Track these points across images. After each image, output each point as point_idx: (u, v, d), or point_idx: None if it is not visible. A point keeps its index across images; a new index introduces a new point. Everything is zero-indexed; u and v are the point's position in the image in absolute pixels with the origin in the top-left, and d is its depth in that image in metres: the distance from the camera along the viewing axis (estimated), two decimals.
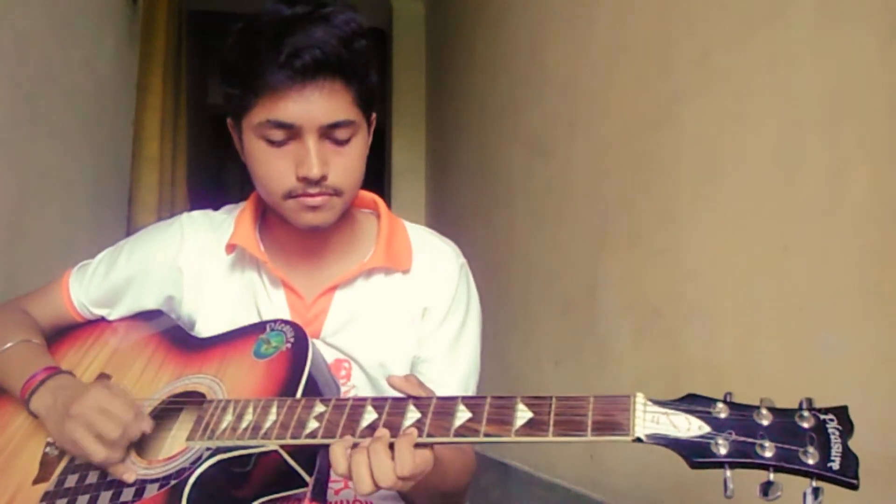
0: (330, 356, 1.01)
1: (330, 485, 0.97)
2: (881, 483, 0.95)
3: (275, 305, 1.02)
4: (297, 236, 1.02)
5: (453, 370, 1.04)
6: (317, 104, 0.89)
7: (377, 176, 4.14)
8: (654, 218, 1.51)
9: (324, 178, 0.91)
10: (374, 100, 0.98)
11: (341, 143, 0.92)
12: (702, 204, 1.35)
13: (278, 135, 0.90)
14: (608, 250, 1.70)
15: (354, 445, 0.75)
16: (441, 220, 3.39)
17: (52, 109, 1.76)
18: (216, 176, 5.19)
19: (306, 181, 0.91)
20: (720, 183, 1.30)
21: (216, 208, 1.13)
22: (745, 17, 1.24)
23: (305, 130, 0.90)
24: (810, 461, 0.62)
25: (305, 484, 0.83)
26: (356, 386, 1.03)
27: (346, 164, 0.93)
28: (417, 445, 0.74)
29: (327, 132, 0.91)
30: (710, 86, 1.33)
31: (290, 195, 0.93)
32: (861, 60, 1.01)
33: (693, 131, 1.38)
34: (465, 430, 0.73)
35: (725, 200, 1.28)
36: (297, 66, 0.87)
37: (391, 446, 0.74)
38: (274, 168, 0.92)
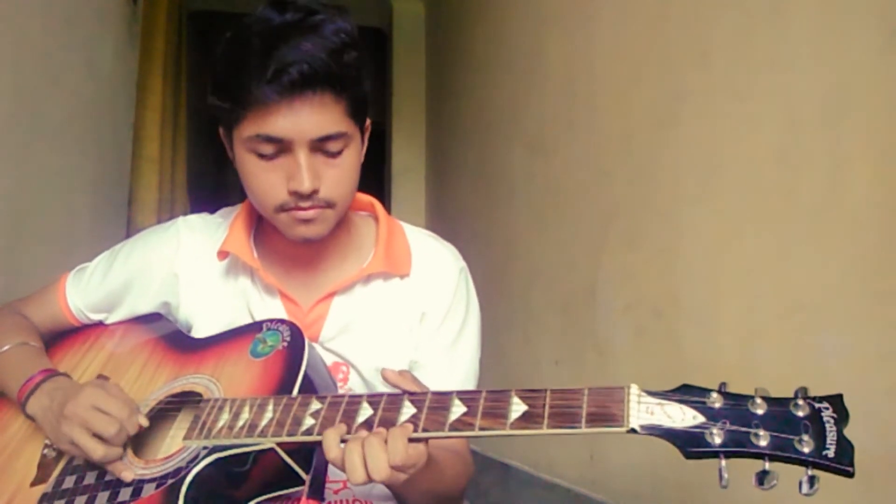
0: (328, 360, 1.00)
1: (328, 485, 0.97)
2: (879, 482, 0.95)
3: (270, 312, 1.01)
4: (292, 243, 1.01)
5: (450, 375, 1.03)
6: (306, 118, 0.87)
7: (377, 176, 4.14)
8: (654, 218, 1.51)
9: (315, 191, 0.90)
10: (368, 108, 0.96)
11: (333, 155, 0.91)
12: (702, 204, 1.35)
13: (268, 149, 0.89)
14: (608, 250, 1.70)
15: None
16: (441, 220, 3.39)
17: (52, 109, 1.76)
18: (216, 176, 5.19)
19: (297, 195, 0.89)
20: (720, 183, 1.29)
21: (216, 209, 1.12)
22: (745, 17, 1.23)
23: (296, 144, 0.88)
24: (805, 449, 0.61)
25: (303, 482, 0.83)
26: (353, 389, 1.02)
27: (338, 177, 0.92)
28: (412, 440, 0.74)
29: (318, 145, 0.89)
30: (710, 86, 1.33)
31: (282, 209, 0.92)
32: (861, 60, 1.01)
33: (693, 131, 1.38)
34: (460, 424, 0.73)
35: (725, 201, 1.28)
36: (284, 81, 0.85)
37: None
38: (265, 182, 0.91)
